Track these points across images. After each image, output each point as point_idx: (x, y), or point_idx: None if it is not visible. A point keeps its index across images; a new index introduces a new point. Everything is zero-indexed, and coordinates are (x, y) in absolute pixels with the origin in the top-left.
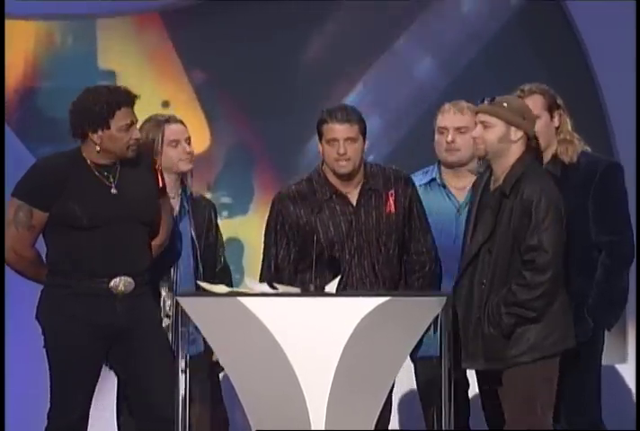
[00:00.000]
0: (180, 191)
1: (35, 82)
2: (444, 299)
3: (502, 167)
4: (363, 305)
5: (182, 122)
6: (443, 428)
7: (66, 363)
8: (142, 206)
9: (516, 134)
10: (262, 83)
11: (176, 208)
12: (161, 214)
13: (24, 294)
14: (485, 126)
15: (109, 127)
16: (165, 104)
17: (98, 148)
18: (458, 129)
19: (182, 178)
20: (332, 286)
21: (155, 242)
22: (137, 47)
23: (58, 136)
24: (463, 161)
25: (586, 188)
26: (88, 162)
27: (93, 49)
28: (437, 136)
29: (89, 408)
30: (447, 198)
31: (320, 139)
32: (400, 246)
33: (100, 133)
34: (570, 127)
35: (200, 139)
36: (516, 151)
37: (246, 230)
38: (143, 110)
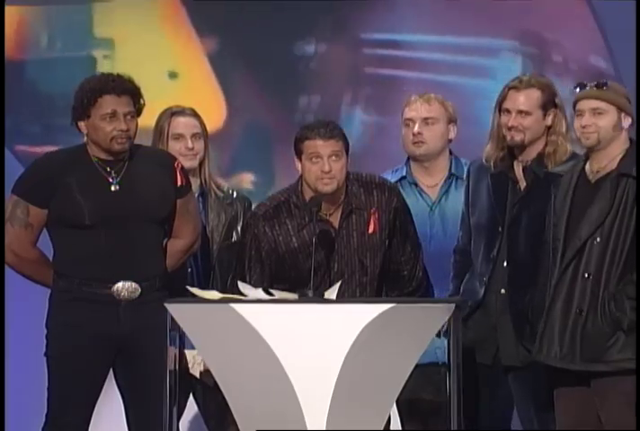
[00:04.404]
0: (196, 187)
1: (24, 53)
2: (452, 306)
3: (607, 158)
4: (366, 313)
5: (196, 116)
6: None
7: (64, 375)
8: (149, 204)
9: (626, 120)
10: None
11: None
12: (178, 214)
13: (25, 295)
14: (597, 112)
15: (89, 116)
16: (173, 75)
17: (86, 139)
18: (425, 120)
19: (200, 173)
20: (332, 292)
21: (178, 246)
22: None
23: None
24: (430, 154)
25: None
26: (92, 157)
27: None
28: (404, 129)
29: (87, 425)
30: (419, 197)
31: (299, 158)
32: (383, 264)
33: (85, 122)
34: (565, 129)
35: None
36: (623, 140)
37: None
38: (146, 83)
